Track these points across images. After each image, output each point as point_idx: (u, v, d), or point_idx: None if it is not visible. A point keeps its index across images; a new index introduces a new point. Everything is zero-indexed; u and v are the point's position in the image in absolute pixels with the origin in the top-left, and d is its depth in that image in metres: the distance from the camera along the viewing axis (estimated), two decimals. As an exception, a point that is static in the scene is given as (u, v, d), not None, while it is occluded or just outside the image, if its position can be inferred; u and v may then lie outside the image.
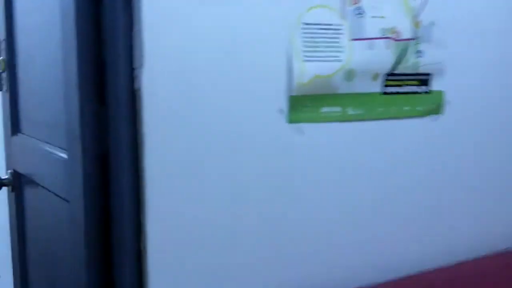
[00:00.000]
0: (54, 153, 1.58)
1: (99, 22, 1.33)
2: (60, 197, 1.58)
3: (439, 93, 1.68)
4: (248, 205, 1.41)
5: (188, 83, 1.32)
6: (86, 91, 1.36)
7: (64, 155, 1.50)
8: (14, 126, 1.93)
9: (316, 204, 1.50)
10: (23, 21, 1.80)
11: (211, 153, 1.36)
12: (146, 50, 1.26)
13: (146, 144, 1.29)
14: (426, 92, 1.65)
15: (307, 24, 1.43)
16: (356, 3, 1.49)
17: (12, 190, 1.97)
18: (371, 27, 1.52)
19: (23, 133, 1.89)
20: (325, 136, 1.50)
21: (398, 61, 1.56)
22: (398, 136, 1.62)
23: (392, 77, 1.57)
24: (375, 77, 1.54)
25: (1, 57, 1.97)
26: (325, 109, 1.49)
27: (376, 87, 1.55)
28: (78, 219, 1.43)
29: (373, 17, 1.52)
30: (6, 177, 1.97)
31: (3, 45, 1.93)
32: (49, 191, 1.66)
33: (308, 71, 1.44)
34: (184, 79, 1.31)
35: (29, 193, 1.86)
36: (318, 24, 1.45)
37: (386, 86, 1.57)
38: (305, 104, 1.45)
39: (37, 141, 1.73)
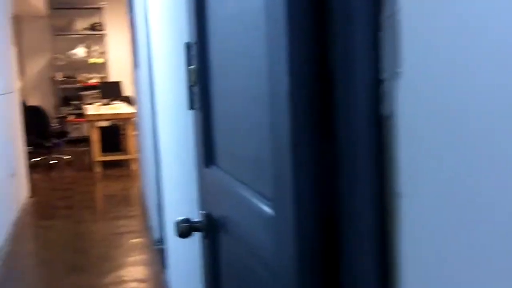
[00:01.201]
0: (254, 203, 1.11)
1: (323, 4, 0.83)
2: (263, 263, 1.11)
3: None
4: None
5: (471, 106, 0.76)
6: (302, 117, 0.87)
7: (268, 210, 1.02)
8: (208, 156, 1.49)
9: None
10: (215, 18, 1.35)
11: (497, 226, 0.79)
12: (406, 49, 0.73)
13: (402, 209, 0.75)
14: None
15: None
16: None
17: (205, 237, 1.54)
18: None
19: (217, 166, 1.45)
20: None
21: None
22: None
23: None
24: None
25: (192, 66, 1.55)
26: None
27: None
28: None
29: None
30: (199, 219, 1.54)
31: (195, 51, 1.50)
32: (248, 250, 1.20)
33: None
34: (465, 99, 0.76)
35: (225, 243, 1.41)
36: None
37: None
38: None
39: (233, 181, 1.28)
